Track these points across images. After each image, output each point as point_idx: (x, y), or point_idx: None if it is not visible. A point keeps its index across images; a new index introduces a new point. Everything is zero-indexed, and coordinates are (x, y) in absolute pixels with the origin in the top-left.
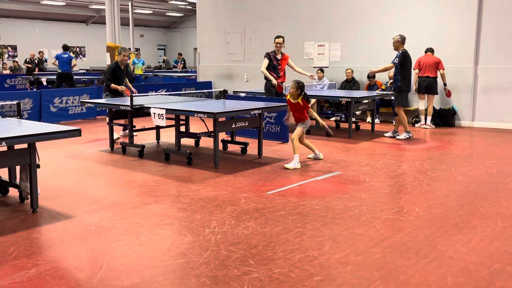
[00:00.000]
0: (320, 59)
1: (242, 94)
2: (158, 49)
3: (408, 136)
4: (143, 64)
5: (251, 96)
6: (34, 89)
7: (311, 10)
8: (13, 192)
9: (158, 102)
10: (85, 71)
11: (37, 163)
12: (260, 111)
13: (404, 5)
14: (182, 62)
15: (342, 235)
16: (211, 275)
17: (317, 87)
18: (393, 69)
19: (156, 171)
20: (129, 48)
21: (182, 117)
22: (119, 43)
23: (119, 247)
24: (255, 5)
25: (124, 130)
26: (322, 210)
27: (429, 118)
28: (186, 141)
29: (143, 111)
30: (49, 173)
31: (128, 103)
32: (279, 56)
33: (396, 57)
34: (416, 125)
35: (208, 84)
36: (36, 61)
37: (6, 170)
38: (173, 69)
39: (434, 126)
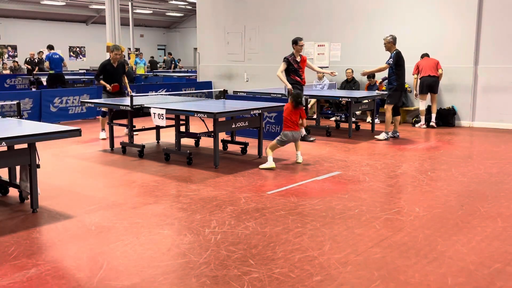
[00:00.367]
0: (320, 59)
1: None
2: (158, 49)
3: (387, 137)
4: (145, 64)
5: (251, 96)
6: (34, 89)
7: (311, 10)
8: (13, 192)
9: (158, 102)
10: (85, 71)
11: (37, 163)
12: (260, 111)
13: (404, 5)
14: (173, 62)
15: (342, 235)
16: (211, 275)
17: (317, 87)
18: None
19: (156, 171)
20: (129, 48)
21: (182, 117)
22: (119, 43)
23: (119, 247)
24: (255, 5)
25: (103, 130)
26: (322, 210)
27: (433, 116)
28: (186, 141)
29: (143, 111)
30: (49, 173)
31: (128, 103)
32: (298, 59)
33: (390, 58)
34: (416, 125)
35: (208, 84)
36: (36, 61)
37: (6, 170)
38: (163, 69)
39: (435, 126)
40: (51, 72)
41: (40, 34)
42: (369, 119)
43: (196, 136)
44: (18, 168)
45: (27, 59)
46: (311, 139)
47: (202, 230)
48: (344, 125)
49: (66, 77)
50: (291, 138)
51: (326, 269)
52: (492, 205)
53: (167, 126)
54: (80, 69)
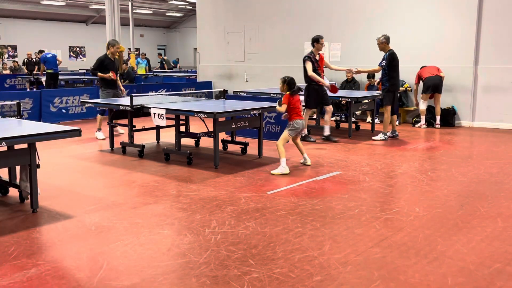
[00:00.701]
0: None
1: None
2: (158, 49)
3: (385, 138)
4: (146, 64)
5: (251, 96)
6: (34, 89)
7: (311, 10)
8: (13, 192)
9: (158, 102)
10: (85, 71)
11: (37, 163)
12: (260, 111)
13: (404, 5)
14: (164, 63)
15: (342, 235)
16: (211, 275)
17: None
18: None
19: (156, 171)
20: (129, 48)
21: (182, 117)
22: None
23: (119, 247)
24: (255, 5)
25: (99, 130)
26: (322, 210)
27: (438, 118)
28: (186, 141)
29: (143, 111)
30: (49, 173)
31: (128, 103)
32: (317, 57)
33: (383, 59)
34: (417, 125)
35: (208, 84)
36: (34, 61)
37: (6, 170)
38: (153, 70)
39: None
40: (48, 71)
41: (40, 34)
42: (369, 119)
43: (196, 136)
44: (18, 168)
45: (25, 60)
46: (312, 139)
47: (202, 230)
48: (344, 125)
49: (66, 77)
50: (301, 126)
51: (326, 269)
52: (492, 205)
53: (167, 126)
54: (80, 69)
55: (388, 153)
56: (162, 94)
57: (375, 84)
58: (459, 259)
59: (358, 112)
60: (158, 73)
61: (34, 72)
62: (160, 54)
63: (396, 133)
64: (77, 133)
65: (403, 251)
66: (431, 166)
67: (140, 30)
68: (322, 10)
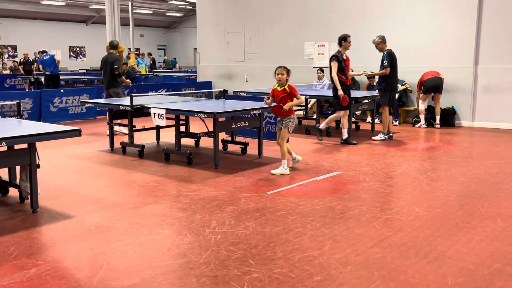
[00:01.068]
0: (320, 59)
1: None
2: (158, 49)
3: (385, 138)
4: (146, 64)
5: (251, 96)
6: (33, 89)
7: (311, 10)
8: (13, 192)
9: (158, 102)
10: (85, 71)
11: (37, 163)
12: (260, 111)
13: (404, 5)
14: (151, 62)
15: (342, 235)
16: (211, 275)
17: (317, 87)
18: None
19: (156, 171)
20: (129, 48)
21: (182, 117)
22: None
23: (119, 247)
24: (255, 5)
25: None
26: (322, 210)
27: (437, 118)
28: (186, 141)
29: (143, 111)
30: (49, 173)
31: (128, 103)
32: (344, 57)
33: (383, 59)
34: (416, 125)
35: (208, 84)
36: (32, 60)
37: (6, 170)
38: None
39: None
40: (46, 73)
41: (40, 34)
42: (369, 119)
43: (196, 136)
44: (18, 168)
45: (21, 60)
46: (354, 142)
47: (202, 230)
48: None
49: (66, 77)
50: (293, 120)
51: (326, 269)
52: (492, 205)
53: (167, 126)
54: (80, 69)
55: (388, 153)
56: (162, 94)
57: (375, 84)
58: (459, 259)
59: (358, 112)
60: (158, 73)
61: (34, 72)
62: (150, 54)
63: (391, 134)
64: (77, 133)
65: (403, 251)
66: (431, 166)
67: (140, 30)
68: (322, 10)
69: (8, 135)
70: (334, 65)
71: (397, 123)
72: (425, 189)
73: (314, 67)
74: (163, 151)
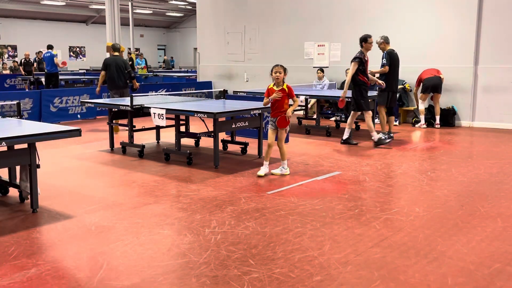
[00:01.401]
0: (320, 59)
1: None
2: (158, 49)
3: (385, 138)
4: (146, 64)
5: (251, 96)
6: (32, 89)
7: (311, 10)
8: (13, 192)
9: (158, 102)
10: (85, 71)
11: (37, 163)
12: (260, 111)
13: (404, 5)
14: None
15: (342, 235)
16: (211, 275)
17: (317, 87)
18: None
19: (156, 171)
20: (129, 48)
21: (182, 117)
22: (119, 43)
23: (119, 247)
24: (255, 5)
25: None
26: (322, 210)
27: (437, 118)
28: (186, 141)
29: (143, 111)
30: (49, 173)
31: (128, 103)
32: (366, 58)
33: (383, 58)
34: (416, 125)
35: (208, 84)
36: (32, 61)
37: (6, 170)
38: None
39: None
40: (46, 71)
41: (40, 34)
42: None
43: (196, 136)
44: (18, 168)
45: (22, 60)
46: (354, 142)
47: (202, 230)
48: (344, 125)
49: (66, 77)
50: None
51: (326, 269)
52: (492, 205)
53: (167, 126)
54: (80, 69)
55: (388, 153)
56: (162, 94)
57: (381, 84)
58: (459, 259)
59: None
60: (158, 73)
61: (34, 72)
62: (141, 55)
63: (391, 134)
64: (77, 133)
65: (403, 251)
66: (431, 166)
67: (140, 30)
68: (322, 10)
69: (8, 135)
70: (354, 67)
71: (397, 123)
72: (425, 189)
73: (314, 67)
74: (163, 151)
